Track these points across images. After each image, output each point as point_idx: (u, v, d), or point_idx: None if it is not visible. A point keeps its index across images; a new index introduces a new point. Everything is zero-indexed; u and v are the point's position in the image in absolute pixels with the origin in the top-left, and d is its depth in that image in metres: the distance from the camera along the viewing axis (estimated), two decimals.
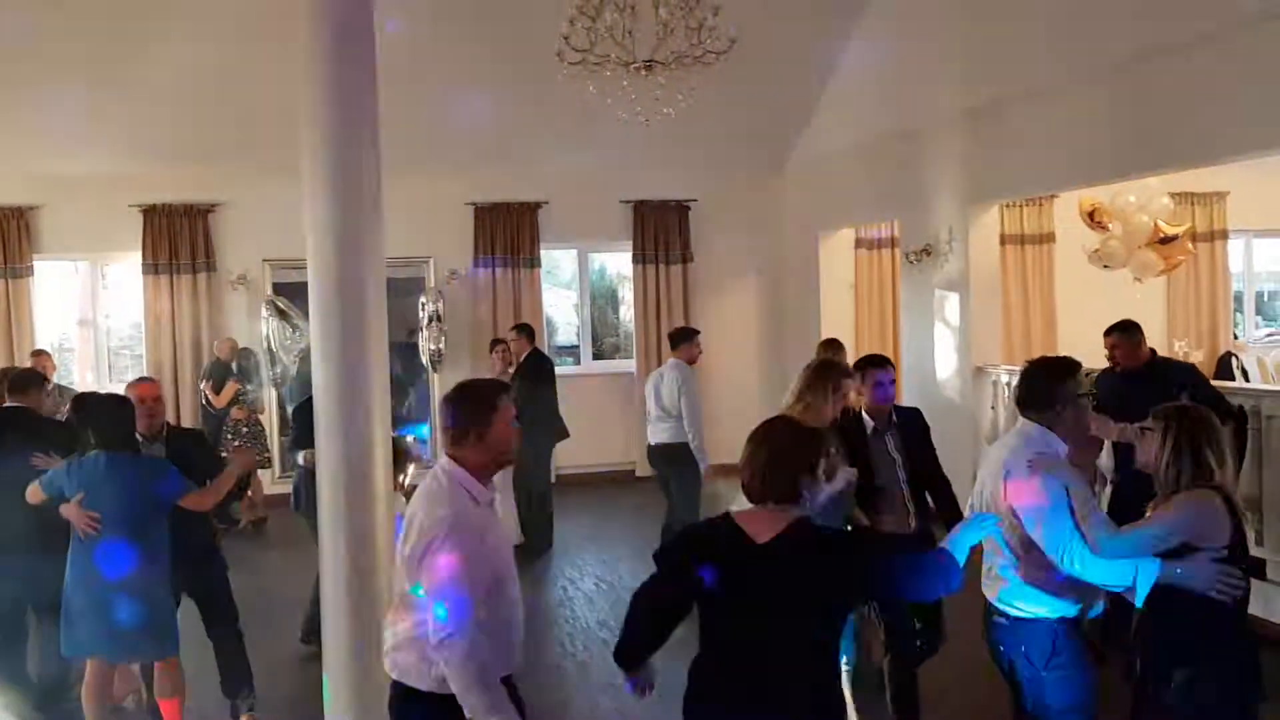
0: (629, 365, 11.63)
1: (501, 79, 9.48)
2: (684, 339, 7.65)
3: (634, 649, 3.11)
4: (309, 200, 4.28)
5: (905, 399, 10.04)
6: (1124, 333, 5.89)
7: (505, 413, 3.03)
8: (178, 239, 10.54)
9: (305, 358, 9.47)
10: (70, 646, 4.61)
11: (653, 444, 7.52)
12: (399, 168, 9.20)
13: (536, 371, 8.62)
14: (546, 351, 10.20)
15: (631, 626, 3.08)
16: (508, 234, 11.17)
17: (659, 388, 7.43)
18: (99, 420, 4.58)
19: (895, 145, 9.62)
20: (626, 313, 12.23)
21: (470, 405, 3.02)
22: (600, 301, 12.75)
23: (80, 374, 10.95)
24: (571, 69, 6.35)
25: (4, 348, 10.01)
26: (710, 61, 6.24)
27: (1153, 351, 6.00)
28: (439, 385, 10.75)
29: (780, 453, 2.84)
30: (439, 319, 10.75)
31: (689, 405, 7.27)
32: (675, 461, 7.34)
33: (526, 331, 8.97)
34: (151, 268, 10.53)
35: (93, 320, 11.10)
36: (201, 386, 10.00)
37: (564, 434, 8.74)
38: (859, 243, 11.52)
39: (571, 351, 12.00)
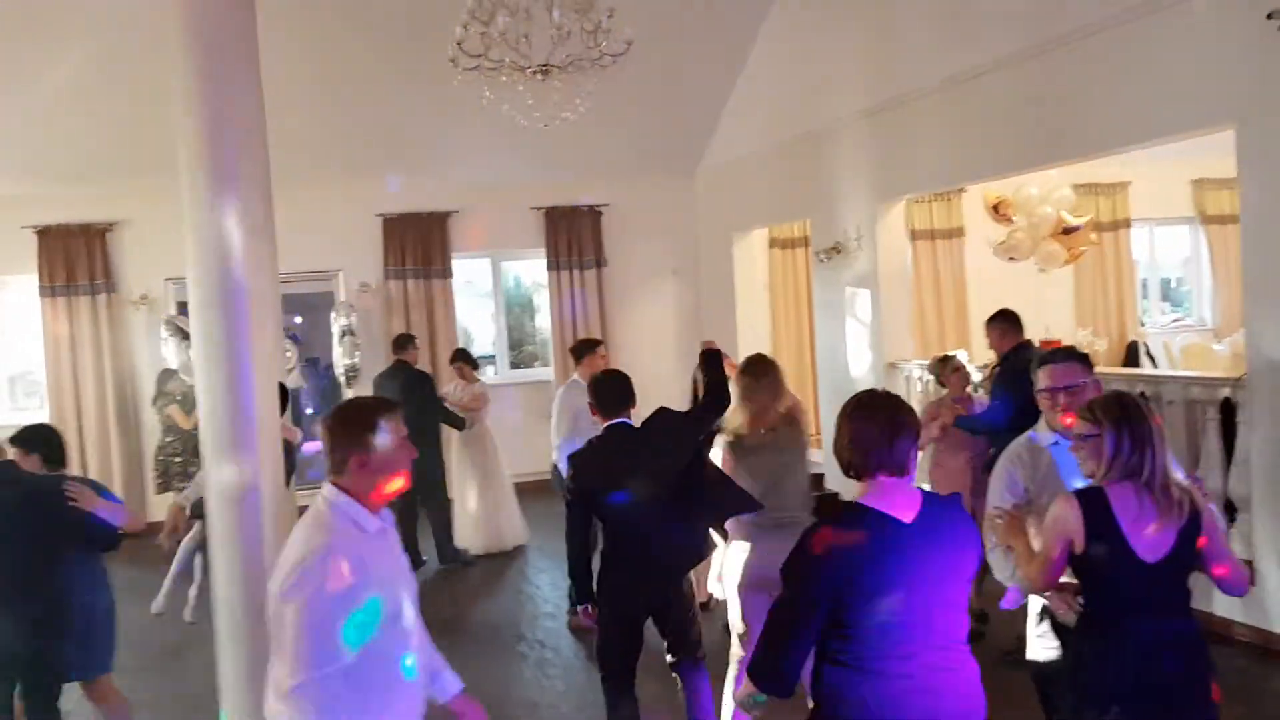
0: (548, 374, 11.54)
1: (402, 87, 9.35)
2: (585, 352, 7.11)
3: (785, 670, 2.70)
4: (187, 216, 4.13)
5: (821, 395, 10.12)
6: (989, 322, 6.19)
7: (390, 433, 2.79)
8: (75, 260, 10.21)
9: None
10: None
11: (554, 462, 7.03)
12: (304, 180, 9.15)
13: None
14: None
15: (777, 650, 2.68)
16: (418, 244, 11.02)
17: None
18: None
19: (803, 146, 9.69)
20: (543, 321, 12.13)
21: (347, 428, 2.81)
22: (516, 310, 12.65)
23: None
24: (467, 75, 6.25)
25: None
26: (608, 64, 6.20)
27: (1025, 343, 6.07)
28: None
29: (904, 423, 2.73)
30: (352, 333, 10.56)
31: (557, 423, 6.84)
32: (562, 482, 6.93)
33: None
34: (49, 290, 10.17)
35: None
36: (165, 409, 9.54)
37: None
38: (774, 242, 11.59)
39: (490, 361, 11.87)
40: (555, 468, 6.98)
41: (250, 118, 4.22)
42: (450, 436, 8.93)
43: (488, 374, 11.19)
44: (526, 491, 9.13)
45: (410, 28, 8.45)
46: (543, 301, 12.01)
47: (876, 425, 2.71)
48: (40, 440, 4.78)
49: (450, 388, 8.91)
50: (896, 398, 2.88)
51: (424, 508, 8.40)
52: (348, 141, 9.91)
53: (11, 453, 4.72)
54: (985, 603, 5.39)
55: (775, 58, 9.79)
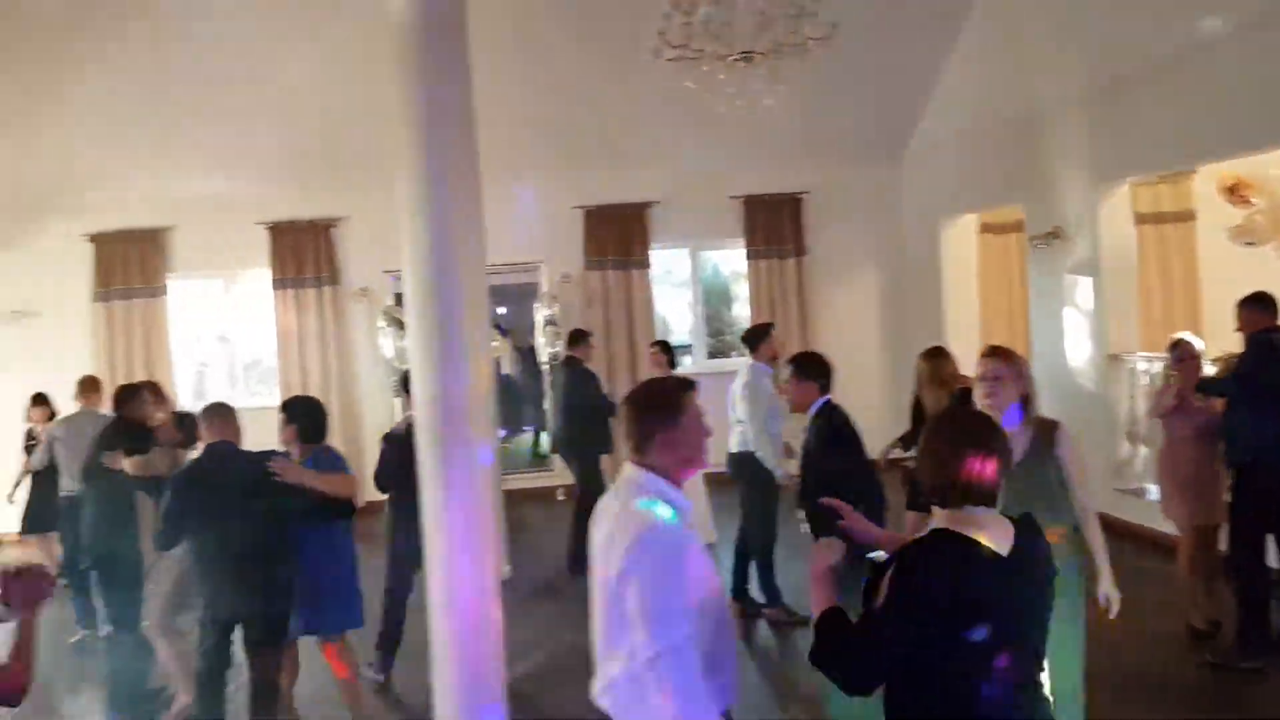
0: (746, 363, 11.43)
1: (604, 81, 9.46)
2: (759, 338, 7.08)
3: (856, 680, 2.57)
4: (404, 211, 4.29)
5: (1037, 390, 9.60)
6: (1242, 304, 5.79)
7: (693, 411, 2.81)
8: (303, 254, 10.86)
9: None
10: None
11: (729, 451, 6.97)
12: (508, 174, 9.41)
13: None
14: None
15: (855, 660, 2.53)
16: (618, 236, 11.14)
17: (734, 390, 6.99)
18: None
19: (1017, 126, 9.21)
20: (741, 310, 12.06)
21: (652, 407, 2.81)
22: (714, 299, 12.63)
23: (220, 388, 11.37)
24: (669, 65, 6.25)
25: (142, 364, 10.45)
26: (811, 49, 6.06)
27: (1275, 328, 5.65)
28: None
29: (997, 449, 2.55)
30: (554, 323, 10.80)
31: (753, 410, 6.74)
32: (744, 472, 6.85)
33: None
34: (280, 283, 10.86)
35: (228, 337, 11.53)
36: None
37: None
38: (985, 228, 11.10)
39: (686, 350, 11.90)
40: (735, 456, 6.91)
41: (461, 118, 4.34)
42: None
43: (684, 363, 11.22)
44: (710, 483, 9.01)
45: (612, 21, 8.53)
46: (741, 291, 11.93)
47: (967, 449, 2.52)
48: (301, 413, 5.09)
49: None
50: (989, 420, 2.72)
51: (577, 503, 8.46)
52: (550, 135, 10.12)
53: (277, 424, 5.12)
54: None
55: (988, 34, 9.34)
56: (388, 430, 6.74)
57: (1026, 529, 2.59)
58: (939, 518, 2.55)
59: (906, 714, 2.56)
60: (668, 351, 8.59)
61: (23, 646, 2.87)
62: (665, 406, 2.80)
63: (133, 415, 5.80)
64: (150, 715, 5.64)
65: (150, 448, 5.73)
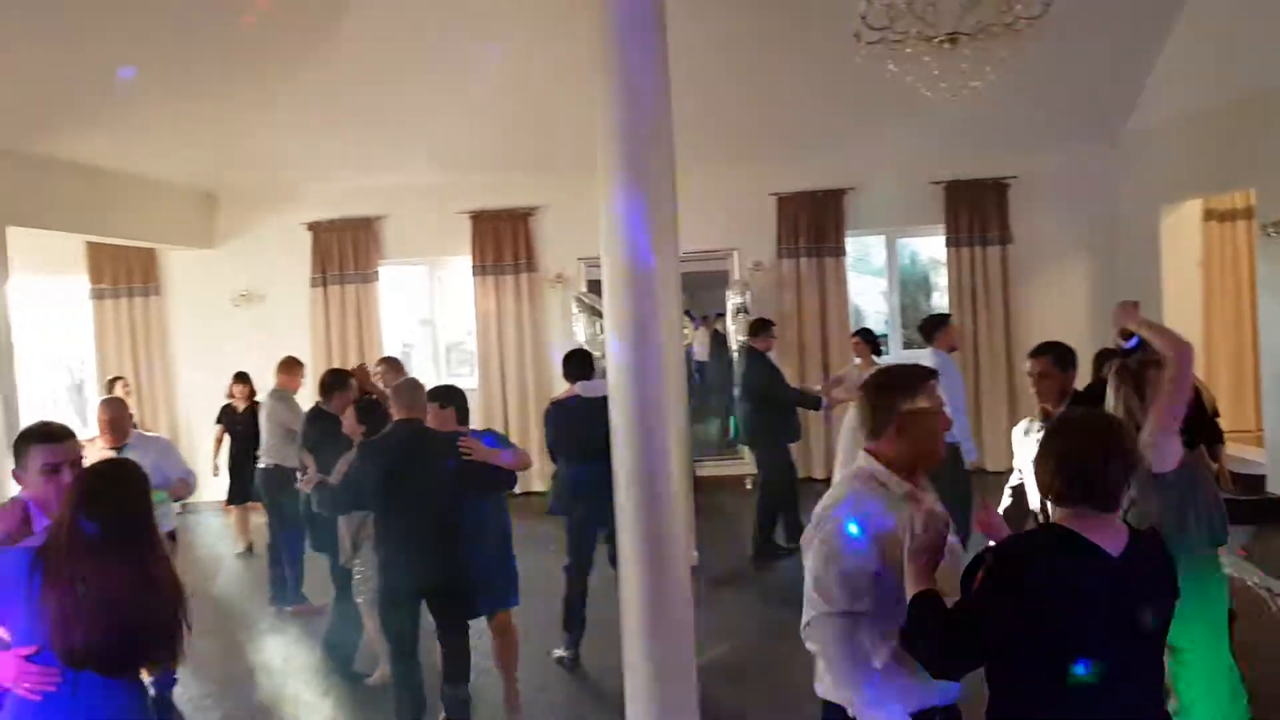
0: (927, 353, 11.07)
1: (800, 65, 9.31)
2: (938, 327, 7.11)
3: (949, 667, 2.52)
4: (602, 199, 4.34)
5: (1265, 385, 8.89)
6: None
7: (925, 399, 2.69)
8: (502, 241, 11.20)
9: None
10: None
11: None
12: (701, 161, 9.40)
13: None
14: None
15: (950, 648, 2.45)
16: (812, 222, 10.98)
17: None
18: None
19: (1249, 105, 8.52)
20: (939, 299, 11.67)
21: (887, 393, 2.74)
22: (911, 288, 12.27)
23: (423, 370, 11.89)
24: (870, 49, 6.08)
25: (355, 345, 11.05)
26: (1022, 29, 5.76)
27: None
28: None
29: (1126, 452, 2.49)
30: (745, 310, 10.74)
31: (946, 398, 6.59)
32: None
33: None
34: (480, 269, 11.25)
35: (431, 320, 12.04)
36: None
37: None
38: (1209, 214, 10.33)
39: (880, 341, 11.59)
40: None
41: (658, 107, 4.35)
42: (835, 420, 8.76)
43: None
44: None
45: (810, 5, 8.37)
46: (939, 279, 11.55)
47: (1089, 449, 2.44)
48: (456, 399, 5.29)
49: (849, 369, 8.75)
50: (1115, 420, 2.61)
51: (760, 491, 8.41)
52: (745, 121, 10.05)
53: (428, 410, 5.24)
54: None
55: (1216, 6, 8.66)
56: (557, 397, 6.89)
57: (1147, 538, 2.55)
58: (1055, 515, 2.52)
59: (1007, 711, 2.49)
60: (870, 340, 8.39)
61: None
62: (902, 391, 2.71)
63: (333, 406, 6.13)
64: (352, 677, 6.00)
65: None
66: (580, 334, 10.76)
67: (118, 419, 5.33)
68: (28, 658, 2.67)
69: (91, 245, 10.97)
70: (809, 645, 2.67)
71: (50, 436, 3.08)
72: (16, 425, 7.99)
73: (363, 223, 11.27)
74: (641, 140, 4.32)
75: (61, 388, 13.07)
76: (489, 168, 10.69)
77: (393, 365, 7.36)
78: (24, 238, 8.58)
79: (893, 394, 2.71)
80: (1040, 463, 2.53)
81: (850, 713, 2.61)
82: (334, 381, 6.38)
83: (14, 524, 2.88)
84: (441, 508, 4.89)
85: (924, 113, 8.48)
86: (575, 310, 10.84)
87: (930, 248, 11.86)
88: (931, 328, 7.09)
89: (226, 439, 9.14)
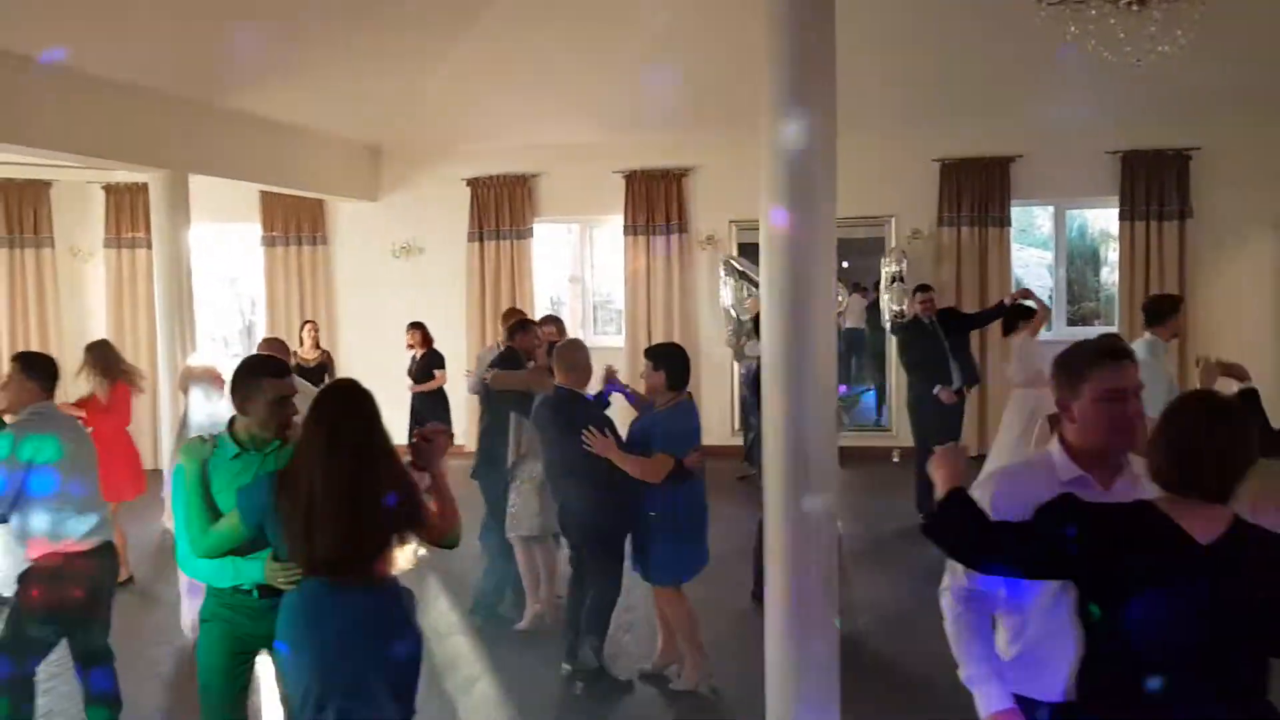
0: (1109, 331, 10.56)
1: (974, 26, 8.91)
2: (1167, 312, 5.92)
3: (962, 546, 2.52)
4: (763, 164, 4.27)
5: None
6: None
7: (1093, 385, 2.48)
8: (654, 202, 11.19)
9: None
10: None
11: None
12: (861, 123, 9.13)
13: None
14: None
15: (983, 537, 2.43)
16: (976, 190, 10.58)
17: None
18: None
19: None
20: (1109, 275, 11.10)
21: (1067, 372, 2.56)
22: (1079, 262, 11.71)
23: (571, 327, 12.04)
24: (1051, 10, 5.76)
25: (508, 300, 11.25)
26: None
27: None
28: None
29: (1243, 440, 2.32)
30: (900, 280, 10.46)
31: (1150, 392, 5.86)
32: None
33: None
34: (631, 229, 11.27)
35: (581, 278, 12.16)
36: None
37: None
38: None
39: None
40: None
41: (822, 66, 4.24)
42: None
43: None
44: None
45: None
46: (1110, 254, 10.99)
47: (1204, 432, 2.29)
48: (668, 360, 5.17)
49: (1019, 339, 8.38)
50: (1237, 405, 2.46)
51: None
52: (909, 84, 9.71)
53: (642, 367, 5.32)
54: None
55: None
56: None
57: (1257, 533, 2.34)
58: (1155, 494, 2.39)
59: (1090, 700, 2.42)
60: (1027, 316, 8.03)
61: (443, 495, 3.25)
62: (1083, 370, 2.51)
63: (520, 346, 6.32)
64: (492, 612, 6.18)
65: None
66: (726, 297, 10.69)
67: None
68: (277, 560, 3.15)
69: (265, 194, 11.45)
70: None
71: (279, 371, 3.36)
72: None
73: (519, 180, 11.42)
74: (805, 100, 4.23)
75: (233, 328, 13.80)
76: (645, 127, 10.66)
77: (557, 324, 7.49)
78: (204, 186, 9.03)
79: (1075, 373, 2.53)
80: (1152, 443, 2.38)
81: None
82: (519, 324, 6.59)
83: (204, 455, 3.26)
84: (596, 474, 4.96)
85: (1100, 79, 8.04)
86: (723, 274, 10.77)
87: (1101, 220, 11.28)
88: (1159, 311, 5.92)
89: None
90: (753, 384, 7.19)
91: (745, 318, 10.26)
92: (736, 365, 10.73)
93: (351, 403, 3.08)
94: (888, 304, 10.56)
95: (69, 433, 4.23)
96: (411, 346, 9.54)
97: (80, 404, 6.90)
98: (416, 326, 9.55)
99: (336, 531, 2.95)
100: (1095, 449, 2.52)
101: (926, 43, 9.20)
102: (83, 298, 11.34)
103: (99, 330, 10.97)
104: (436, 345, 9.63)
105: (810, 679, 4.16)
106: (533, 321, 6.96)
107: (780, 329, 4.21)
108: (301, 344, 9.67)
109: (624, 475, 4.93)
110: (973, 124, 10.33)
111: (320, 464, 2.96)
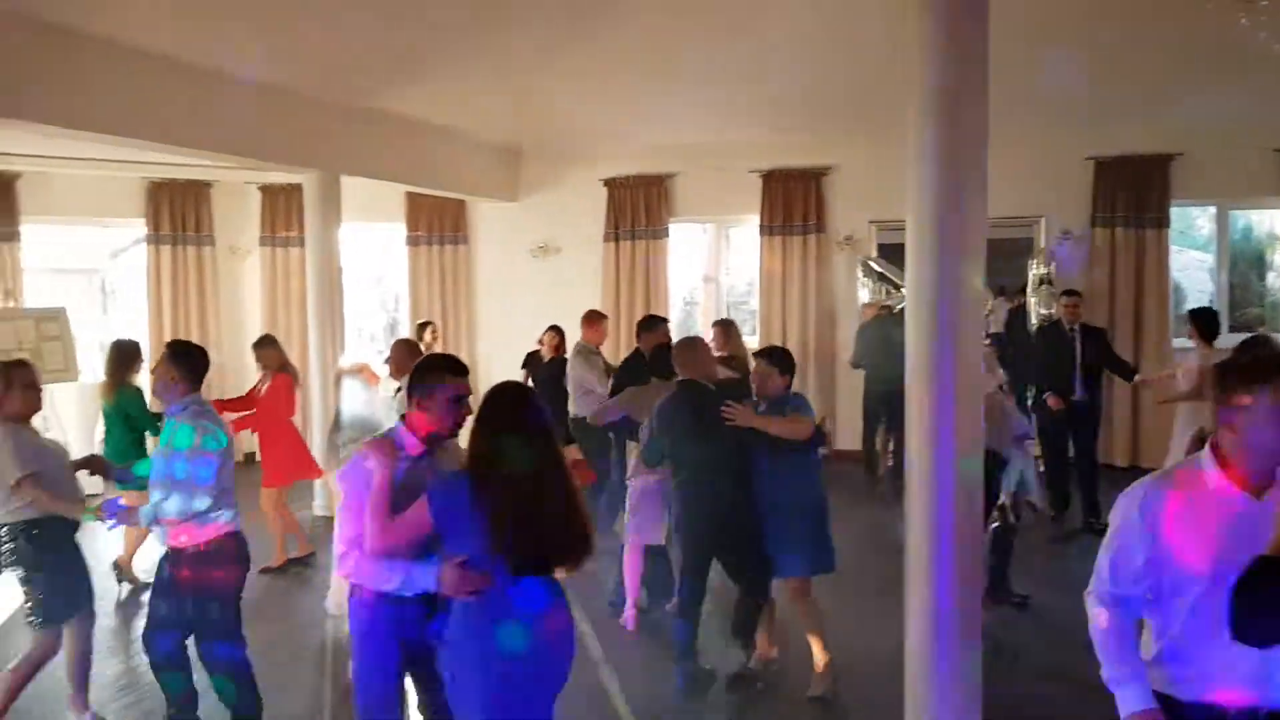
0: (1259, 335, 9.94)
1: (1131, 18, 8.51)
2: None
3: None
4: (911, 162, 4.17)
5: None
6: None
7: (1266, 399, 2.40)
8: (792, 202, 11.07)
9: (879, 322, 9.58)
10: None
11: None
12: (1011, 123, 8.83)
13: None
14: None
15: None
16: (1132, 190, 10.11)
17: None
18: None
19: None
20: (1276, 279, 10.48)
21: (1223, 383, 2.50)
22: (1242, 265, 11.07)
23: (704, 327, 12.01)
24: (1221, 3, 5.44)
25: (643, 300, 11.29)
26: None
27: None
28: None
29: None
30: (1049, 283, 10.08)
31: None
32: None
33: None
34: (767, 229, 11.17)
35: (715, 278, 12.12)
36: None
37: None
38: None
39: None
40: None
41: (975, 61, 4.12)
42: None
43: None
44: None
45: None
46: (1277, 258, 10.37)
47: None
48: (786, 361, 5.25)
49: (1187, 357, 7.95)
50: None
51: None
52: (1062, 77, 9.33)
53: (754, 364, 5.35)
54: None
55: None
56: None
57: None
58: None
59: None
60: (1197, 321, 7.61)
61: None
62: (1244, 382, 2.44)
63: (645, 346, 6.41)
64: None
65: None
66: (864, 299, 10.50)
67: (396, 358, 6.03)
68: (462, 564, 3.03)
69: (410, 195, 11.78)
70: None
71: (460, 370, 3.39)
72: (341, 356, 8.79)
73: (655, 180, 11.45)
74: (955, 97, 4.11)
75: (378, 325, 14.25)
76: (783, 126, 10.55)
77: (725, 328, 7.50)
78: (353, 186, 9.34)
79: (1232, 384, 2.46)
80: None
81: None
82: (645, 324, 6.77)
83: (386, 453, 3.18)
84: (726, 468, 4.94)
85: (1270, 71, 7.57)
86: (860, 275, 10.58)
87: (1269, 221, 10.64)
88: None
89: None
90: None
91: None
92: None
93: (533, 401, 3.21)
94: (1035, 307, 10.20)
95: (224, 426, 4.42)
96: (540, 344, 9.51)
97: (248, 396, 7.37)
98: (555, 330, 9.51)
99: (548, 527, 3.06)
100: (1250, 462, 2.46)
101: (1081, 34, 8.82)
102: (239, 293, 11.87)
103: (254, 324, 11.49)
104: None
105: (953, 683, 4.06)
106: (662, 319, 7.21)
107: (927, 334, 4.11)
108: (541, 343, 9.63)
109: (753, 468, 4.95)
110: (1130, 120, 9.88)
111: (523, 462, 3.03)
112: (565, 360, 9.18)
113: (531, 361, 9.46)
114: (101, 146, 8.44)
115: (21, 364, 4.59)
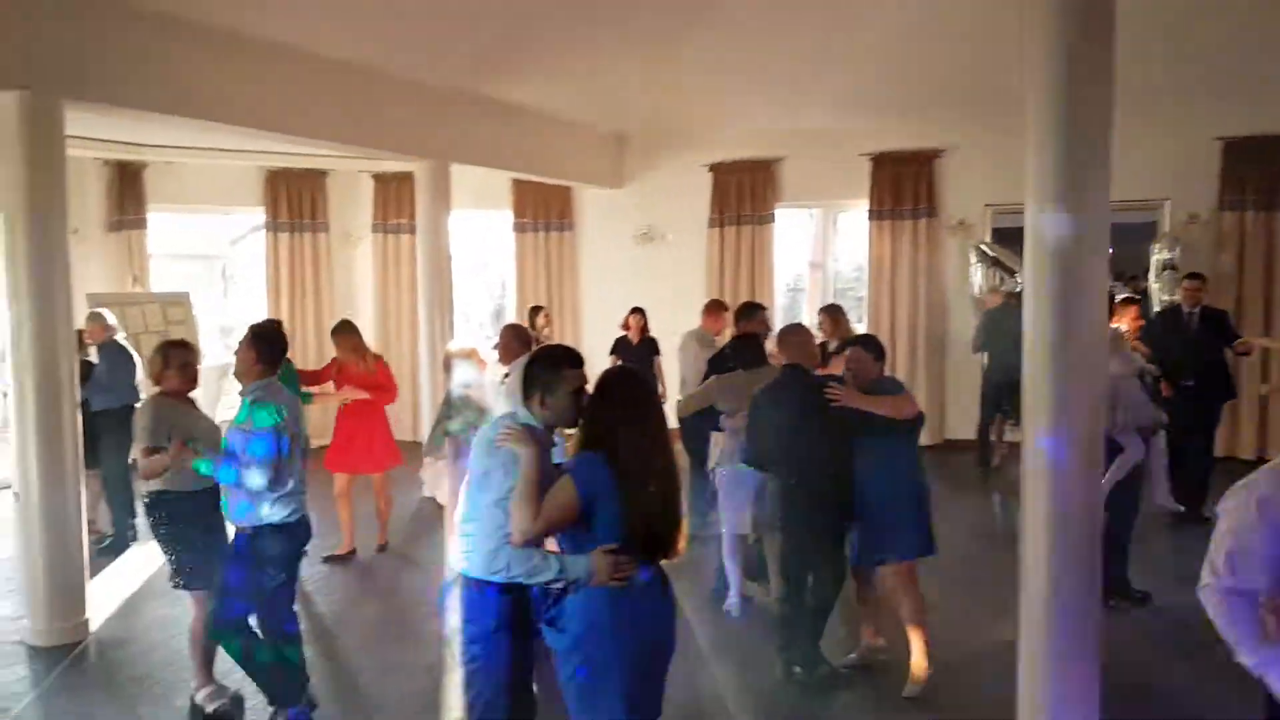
0: None
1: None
2: None
3: None
4: (1031, 143, 4.03)
5: None
6: None
7: None
8: (902, 185, 10.84)
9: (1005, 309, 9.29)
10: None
11: None
12: (1134, 101, 8.47)
13: None
14: None
15: None
16: (1265, 172, 9.62)
17: None
18: None
19: None
20: None
21: None
22: None
23: (809, 314, 11.88)
24: None
25: (747, 286, 11.20)
26: None
27: None
28: None
29: None
30: (1173, 268, 9.68)
31: None
32: None
33: None
34: (876, 213, 10.97)
35: (822, 264, 11.96)
36: None
37: None
38: None
39: None
40: None
41: (1099, 38, 3.96)
42: None
43: None
44: None
45: None
46: None
47: None
48: (875, 344, 5.21)
49: None
50: None
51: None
52: (1190, 57, 8.92)
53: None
54: None
55: None
56: None
57: None
58: None
59: None
60: None
61: None
62: None
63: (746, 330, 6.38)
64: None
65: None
66: (977, 284, 10.23)
67: (504, 343, 6.13)
68: (610, 552, 3.05)
69: (516, 182, 11.89)
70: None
71: (578, 361, 3.40)
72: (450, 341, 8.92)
73: (761, 165, 11.34)
74: (1080, 76, 3.95)
75: (485, 311, 14.47)
76: (894, 109, 10.33)
77: (833, 315, 7.41)
78: (462, 174, 9.47)
79: None
80: None
81: None
82: (743, 311, 6.74)
83: (533, 442, 3.19)
84: (829, 457, 4.88)
85: None
86: (973, 260, 10.31)
87: None
88: None
89: None
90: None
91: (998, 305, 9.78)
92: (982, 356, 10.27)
93: (647, 387, 3.29)
94: (1157, 293, 9.81)
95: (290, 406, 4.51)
96: (627, 328, 9.47)
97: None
98: (638, 312, 9.46)
99: (661, 512, 3.13)
100: None
101: (1210, 8, 8.42)
102: (352, 279, 12.15)
103: (366, 309, 11.77)
104: (661, 332, 9.51)
105: (1070, 683, 3.94)
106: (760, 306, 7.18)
107: (1047, 322, 3.97)
108: (627, 327, 9.46)
109: (852, 453, 4.89)
110: (1263, 98, 9.38)
111: (649, 444, 3.11)
112: (651, 342, 9.19)
113: (621, 346, 9.43)
114: (223, 136, 8.75)
115: (180, 344, 4.85)
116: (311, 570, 6.77)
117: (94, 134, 8.95)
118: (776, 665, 5.15)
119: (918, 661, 5.00)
